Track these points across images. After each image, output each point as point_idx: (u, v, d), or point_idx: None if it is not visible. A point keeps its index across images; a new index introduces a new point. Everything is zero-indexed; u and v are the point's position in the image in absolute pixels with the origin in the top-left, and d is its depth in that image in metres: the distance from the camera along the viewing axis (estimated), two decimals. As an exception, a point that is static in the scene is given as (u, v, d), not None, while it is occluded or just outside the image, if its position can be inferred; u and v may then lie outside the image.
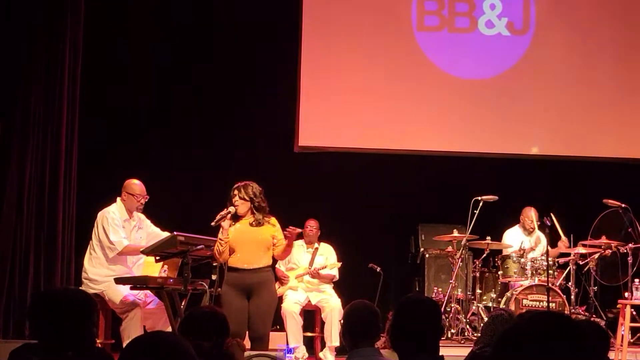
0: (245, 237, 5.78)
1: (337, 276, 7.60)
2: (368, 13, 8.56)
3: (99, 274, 6.30)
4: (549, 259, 7.32)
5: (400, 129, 8.61)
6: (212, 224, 5.77)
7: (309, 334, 7.52)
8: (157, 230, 6.55)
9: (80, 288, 6.14)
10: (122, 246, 6.24)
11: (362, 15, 8.56)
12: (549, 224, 7.07)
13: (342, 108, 8.51)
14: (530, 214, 7.98)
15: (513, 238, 8.01)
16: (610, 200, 7.53)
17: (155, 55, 8.38)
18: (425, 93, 8.61)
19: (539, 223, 7.79)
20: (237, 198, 5.82)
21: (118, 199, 6.43)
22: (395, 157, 8.60)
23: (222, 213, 5.77)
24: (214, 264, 6.11)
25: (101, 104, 8.09)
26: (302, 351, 7.02)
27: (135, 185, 6.45)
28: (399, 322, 3.05)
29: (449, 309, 7.50)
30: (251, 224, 5.83)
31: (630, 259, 7.35)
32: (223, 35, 8.50)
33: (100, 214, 6.38)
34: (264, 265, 5.85)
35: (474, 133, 8.65)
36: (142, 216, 6.55)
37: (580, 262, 7.69)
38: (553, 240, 7.68)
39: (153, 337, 1.87)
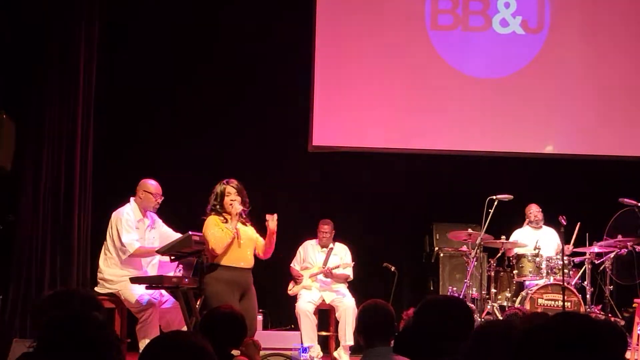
0: (241, 235, 5.76)
1: (352, 276, 7.60)
2: (381, 12, 8.54)
3: (114, 274, 6.33)
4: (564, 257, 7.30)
5: (414, 128, 8.59)
6: (240, 211, 5.68)
7: (324, 333, 7.54)
8: (170, 230, 6.58)
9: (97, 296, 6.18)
10: (133, 248, 6.26)
11: (376, 14, 8.54)
12: (564, 222, 7.05)
13: (355, 108, 8.51)
14: (532, 209, 7.99)
15: (523, 237, 7.98)
16: (626, 199, 7.49)
17: (168, 54, 8.39)
18: (439, 92, 8.59)
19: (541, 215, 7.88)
20: (233, 196, 5.80)
21: (132, 199, 6.46)
22: (409, 156, 8.58)
23: (238, 204, 5.72)
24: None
25: (118, 103, 8.12)
26: (316, 350, 7.04)
27: (152, 184, 6.49)
28: (427, 322, 2.89)
29: (463, 308, 7.48)
30: (241, 223, 5.82)
31: (646, 258, 7.32)
32: (236, 35, 8.50)
33: (114, 215, 6.40)
34: (253, 265, 5.89)
35: (488, 132, 8.62)
36: (155, 216, 6.58)
37: (596, 261, 7.65)
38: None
39: (172, 337, 1.88)
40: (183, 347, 1.77)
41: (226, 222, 5.74)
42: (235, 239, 5.71)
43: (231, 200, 5.76)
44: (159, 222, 6.60)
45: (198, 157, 8.29)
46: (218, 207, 5.81)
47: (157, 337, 1.85)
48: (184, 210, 7.45)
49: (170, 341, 1.81)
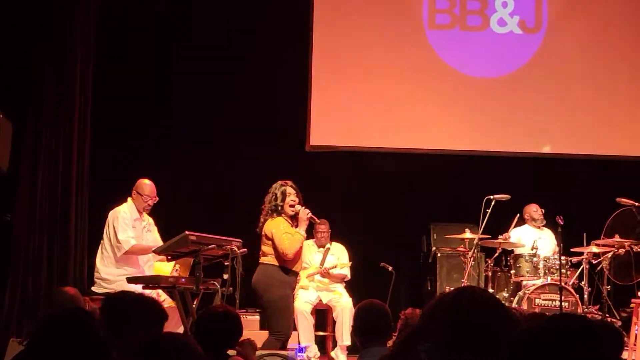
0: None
1: (349, 276, 7.59)
2: (379, 11, 8.54)
3: (111, 273, 6.32)
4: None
5: (412, 128, 8.58)
6: (310, 215, 5.82)
7: (321, 333, 7.53)
8: (158, 238, 6.60)
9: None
10: (129, 245, 6.26)
11: (373, 13, 8.54)
12: (561, 222, 7.04)
13: (353, 107, 8.50)
14: (533, 208, 7.98)
15: (524, 236, 7.97)
16: (623, 199, 7.48)
17: (166, 54, 8.38)
18: (437, 92, 8.59)
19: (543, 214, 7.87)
20: (293, 196, 5.86)
21: (129, 198, 6.47)
22: (407, 155, 8.58)
23: (304, 208, 5.82)
24: (226, 264, 6.09)
25: (114, 103, 8.11)
26: (313, 350, 7.03)
27: (146, 185, 6.48)
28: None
29: (461, 308, 7.46)
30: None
31: (643, 258, 7.31)
32: (234, 36, 8.49)
33: (111, 213, 6.41)
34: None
35: (486, 132, 8.62)
36: (151, 220, 6.58)
37: (594, 261, 7.64)
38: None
39: (163, 339, 1.88)
40: (173, 348, 1.77)
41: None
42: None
43: (292, 200, 5.85)
44: (154, 227, 6.62)
45: (196, 158, 8.28)
46: (280, 208, 5.85)
47: (148, 340, 1.85)
48: (181, 209, 7.45)
49: (161, 343, 1.81)
